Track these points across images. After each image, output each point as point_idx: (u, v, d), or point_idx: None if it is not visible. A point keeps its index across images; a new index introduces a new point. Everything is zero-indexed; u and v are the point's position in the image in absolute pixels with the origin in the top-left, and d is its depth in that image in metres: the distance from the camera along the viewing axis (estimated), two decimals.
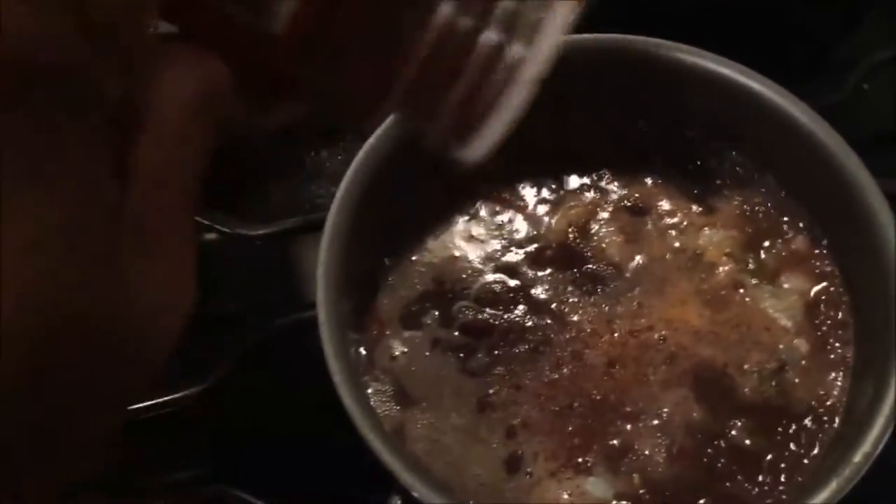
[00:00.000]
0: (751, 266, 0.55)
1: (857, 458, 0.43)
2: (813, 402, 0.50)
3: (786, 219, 0.56)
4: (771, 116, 0.53)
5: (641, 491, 0.49)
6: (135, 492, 0.62)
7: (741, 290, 0.54)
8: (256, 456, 0.62)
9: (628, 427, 0.51)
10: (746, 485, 0.48)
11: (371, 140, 0.54)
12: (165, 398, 0.61)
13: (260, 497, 0.59)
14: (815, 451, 0.48)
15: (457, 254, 0.57)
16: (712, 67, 0.55)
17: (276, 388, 0.65)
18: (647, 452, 0.50)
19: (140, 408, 0.60)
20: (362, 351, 0.53)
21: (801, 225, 0.55)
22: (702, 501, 0.48)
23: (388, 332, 0.55)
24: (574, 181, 0.59)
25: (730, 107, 0.55)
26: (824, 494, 0.43)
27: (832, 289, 0.53)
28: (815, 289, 0.53)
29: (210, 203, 0.68)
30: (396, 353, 0.54)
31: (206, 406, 0.63)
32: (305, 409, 0.64)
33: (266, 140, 0.79)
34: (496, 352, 0.53)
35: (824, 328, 0.52)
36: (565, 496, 0.49)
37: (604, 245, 0.57)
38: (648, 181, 0.59)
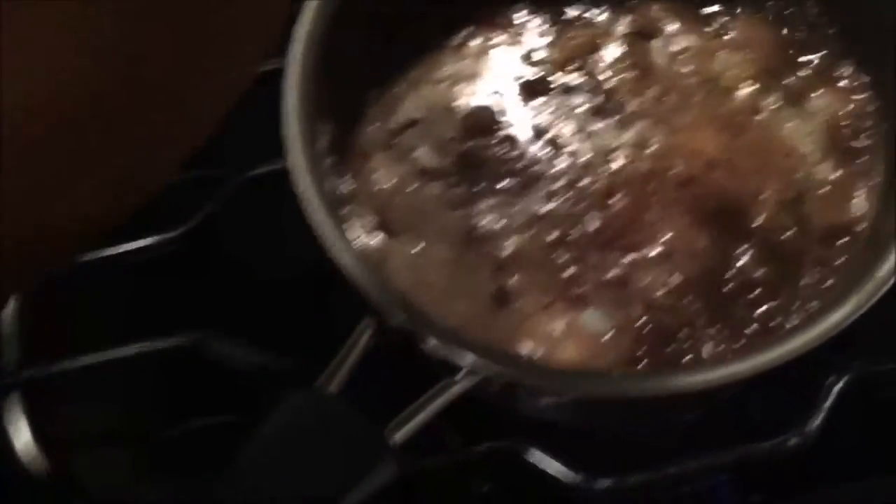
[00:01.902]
0: (772, 89, 0.49)
1: (882, 272, 0.39)
2: (831, 232, 0.45)
3: (813, 36, 0.50)
4: None
5: (640, 323, 0.45)
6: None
7: (760, 115, 0.49)
8: (244, 303, 0.60)
9: (628, 258, 0.46)
10: (754, 313, 0.44)
11: None
12: (150, 240, 0.57)
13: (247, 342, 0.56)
14: (831, 280, 0.44)
15: (445, 83, 0.52)
16: None
17: (261, 235, 0.62)
18: (647, 283, 0.45)
19: (129, 250, 0.58)
20: (345, 182, 0.49)
21: (830, 42, 0.50)
22: (707, 330, 0.44)
23: (371, 163, 0.50)
24: (573, 6, 0.54)
25: None
26: (844, 310, 0.38)
27: (861, 109, 0.48)
28: (844, 110, 0.48)
29: None
30: (380, 184, 0.50)
31: (191, 253, 0.59)
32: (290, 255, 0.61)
33: None
34: (485, 182, 0.49)
35: (848, 153, 0.47)
36: (558, 330, 0.45)
37: (606, 75, 0.51)
38: (656, 4, 0.53)
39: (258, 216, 0.58)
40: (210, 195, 0.59)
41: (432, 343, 0.39)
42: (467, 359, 0.39)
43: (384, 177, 0.50)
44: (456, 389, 0.38)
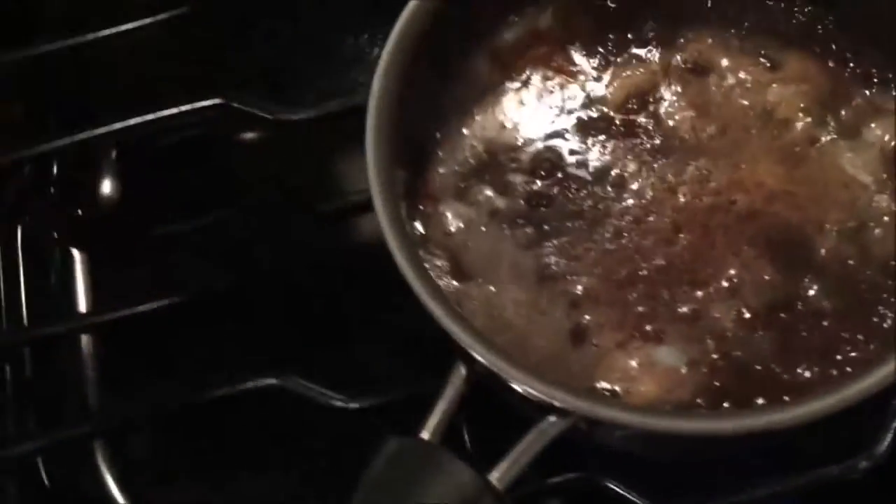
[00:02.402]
0: (827, 120, 0.51)
1: None
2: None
3: (864, 70, 0.52)
4: None
5: (715, 356, 0.47)
6: None
7: (817, 146, 0.50)
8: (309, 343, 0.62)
9: (698, 293, 0.48)
10: (826, 346, 0.45)
11: (411, 6, 0.51)
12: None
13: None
14: None
15: (508, 123, 0.54)
16: None
17: (325, 274, 0.64)
18: (718, 317, 0.47)
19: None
20: (417, 226, 0.51)
21: (881, 75, 0.51)
22: (781, 363, 0.45)
23: (441, 207, 0.52)
24: (629, 43, 0.55)
25: None
26: None
27: None
28: None
29: (248, 87, 0.66)
30: (451, 227, 0.52)
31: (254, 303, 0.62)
32: (352, 292, 0.63)
33: (304, 25, 0.76)
34: (554, 222, 0.51)
35: None
36: (634, 366, 0.47)
37: (665, 111, 0.53)
38: (709, 39, 0.55)
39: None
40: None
41: (525, 387, 0.41)
42: (562, 400, 0.41)
43: (454, 220, 0.52)
44: (553, 431, 0.40)
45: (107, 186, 0.70)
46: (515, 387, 0.41)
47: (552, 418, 0.41)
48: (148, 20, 0.70)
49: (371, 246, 0.64)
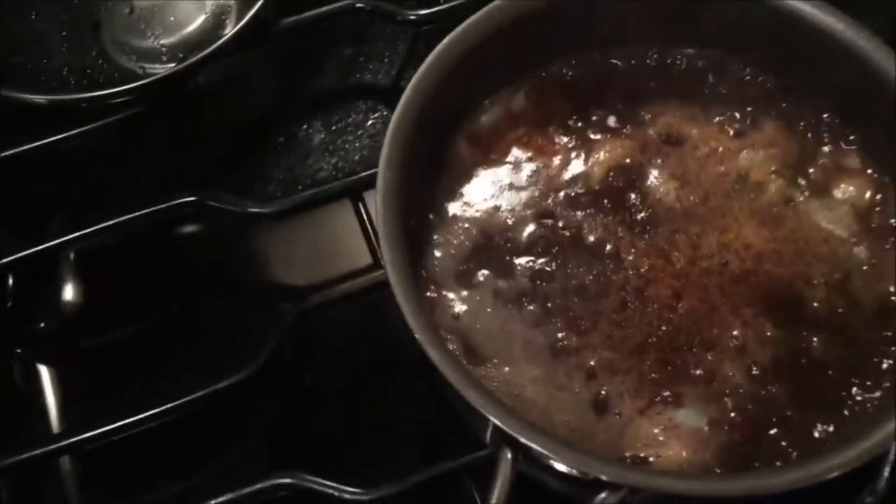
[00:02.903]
0: (799, 181, 0.54)
1: None
2: (885, 302, 0.51)
3: (831, 134, 0.56)
4: (809, 34, 0.53)
5: (733, 414, 0.49)
6: None
7: (792, 205, 0.54)
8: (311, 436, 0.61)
9: (707, 355, 0.50)
10: (838, 394, 0.48)
11: (406, 97, 0.52)
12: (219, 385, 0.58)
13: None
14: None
15: (498, 204, 0.55)
16: None
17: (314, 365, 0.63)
18: (731, 376, 0.49)
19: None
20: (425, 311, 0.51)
21: (846, 137, 0.55)
22: (793, 413, 0.48)
23: (444, 292, 0.53)
24: (602, 120, 0.58)
25: (763, 27, 0.55)
26: None
27: (883, 192, 0.54)
28: (867, 195, 0.54)
29: (201, 184, 0.65)
30: (457, 311, 0.52)
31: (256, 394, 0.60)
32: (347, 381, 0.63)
33: (252, 116, 0.76)
34: (558, 298, 0.52)
35: (881, 231, 0.53)
36: (658, 430, 0.48)
37: (646, 183, 0.56)
38: (677, 113, 0.58)
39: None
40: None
41: (580, 467, 0.42)
42: (614, 475, 0.41)
43: (460, 304, 0.53)
44: (612, 499, 0.41)
45: (68, 293, 0.68)
46: (567, 468, 0.42)
47: (603, 494, 0.42)
48: (100, 122, 0.69)
49: (359, 333, 0.66)
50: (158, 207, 0.63)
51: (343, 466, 0.56)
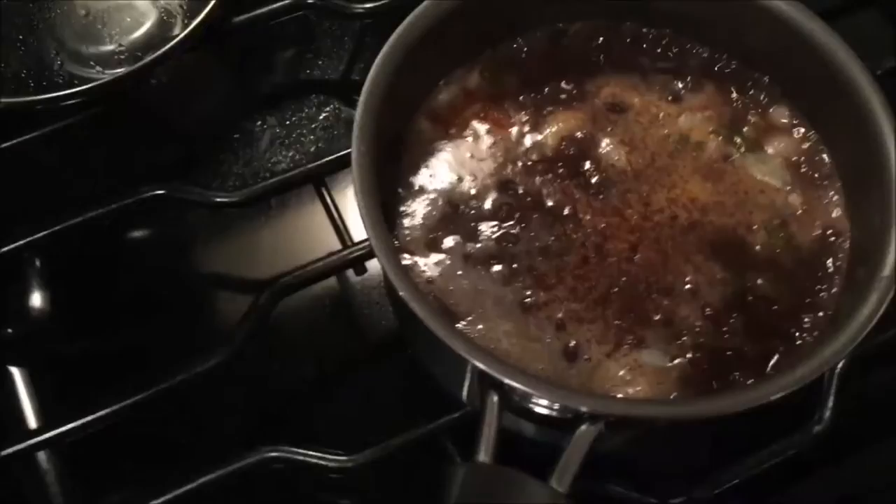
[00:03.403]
0: (734, 139, 0.59)
1: (886, 271, 0.48)
2: (819, 239, 0.56)
3: (760, 94, 0.61)
4: (744, 5, 0.58)
5: (691, 352, 0.53)
6: None
7: (731, 161, 0.59)
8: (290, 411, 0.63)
9: (665, 300, 0.54)
10: (784, 328, 0.53)
11: (370, 79, 0.55)
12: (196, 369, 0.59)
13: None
14: (836, 282, 0.54)
15: (461, 175, 0.59)
16: None
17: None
18: (687, 317, 0.54)
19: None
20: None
21: (775, 97, 0.60)
22: (746, 346, 0.52)
23: (417, 259, 0.56)
24: (552, 93, 0.62)
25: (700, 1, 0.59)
26: (867, 309, 0.48)
27: (810, 144, 0.59)
28: (796, 148, 0.59)
29: (163, 177, 0.66)
30: (431, 275, 0.55)
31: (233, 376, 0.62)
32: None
33: (206, 114, 0.78)
34: (524, 258, 0.56)
35: (810, 179, 0.58)
36: (624, 371, 0.52)
37: (597, 149, 0.59)
38: (618, 85, 0.62)
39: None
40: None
41: (562, 401, 0.45)
42: (591, 406, 0.45)
43: (433, 268, 0.55)
44: (591, 434, 0.44)
45: (36, 299, 0.68)
46: (549, 404, 0.45)
47: (584, 426, 0.45)
48: (57, 125, 0.70)
49: (328, 320, 0.68)
50: (126, 202, 0.64)
51: (322, 441, 0.58)
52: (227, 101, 0.78)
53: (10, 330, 0.68)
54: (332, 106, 0.78)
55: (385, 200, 0.56)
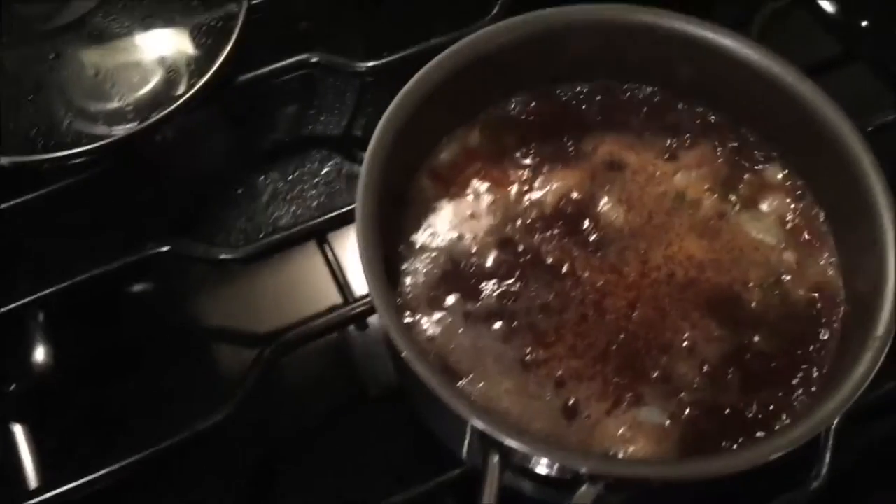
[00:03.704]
0: (729, 196, 0.60)
1: (880, 331, 0.49)
2: (814, 297, 0.56)
3: (754, 152, 0.62)
4: (732, 66, 0.59)
5: (690, 409, 0.53)
6: None
7: (726, 219, 0.60)
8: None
9: (663, 358, 0.55)
10: (781, 385, 0.53)
11: (376, 137, 0.56)
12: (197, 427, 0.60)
13: None
14: (831, 339, 0.54)
15: (462, 233, 0.60)
16: (671, 24, 0.60)
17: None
18: (685, 375, 0.54)
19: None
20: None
21: (768, 155, 0.62)
22: (743, 403, 0.53)
23: (419, 317, 0.57)
24: (550, 152, 0.63)
25: (692, 62, 0.61)
26: (861, 368, 0.48)
27: (805, 202, 0.60)
28: (790, 206, 0.60)
29: (168, 232, 0.67)
30: (432, 333, 0.56)
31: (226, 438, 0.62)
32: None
33: (210, 170, 0.79)
34: (524, 315, 0.56)
35: (804, 237, 0.59)
36: (624, 429, 0.53)
37: (596, 208, 0.61)
38: (615, 142, 0.63)
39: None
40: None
41: (562, 462, 0.45)
42: (591, 467, 0.45)
43: (434, 326, 0.56)
44: (591, 495, 0.45)
45: (39, 354, 0.69)
46: (549, 465, 0.46)
47: (584, 488, 0.46)
48: (63, 183, 0.71)
49: (329, 375, 0.69)
50: (131, 259, 0.65)
51: (319, 497, 0.58)
52: (231, 156, 0.80)
53: (13, 386, 0.68)
54: (334, 161, 0.79)
55: (387, 257, 0.58)
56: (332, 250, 0.69)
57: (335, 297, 0.69)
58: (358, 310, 0.64)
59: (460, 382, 0.54)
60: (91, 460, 0.60)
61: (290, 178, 0.78)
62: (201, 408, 0.61)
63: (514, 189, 0.61)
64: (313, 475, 0.65)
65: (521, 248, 0.59)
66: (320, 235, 0.69)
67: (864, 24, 0.88)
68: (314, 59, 0.74)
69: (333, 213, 0.68)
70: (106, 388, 0.68)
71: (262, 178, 0.78)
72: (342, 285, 0.68)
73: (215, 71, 0.69)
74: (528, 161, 0.62)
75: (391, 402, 0.68)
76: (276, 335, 0.64)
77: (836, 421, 0.59)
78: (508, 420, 0.53)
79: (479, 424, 0.46)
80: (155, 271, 0.71)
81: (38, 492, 0.62)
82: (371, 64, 0.75)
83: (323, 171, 0.79)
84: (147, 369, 0.69)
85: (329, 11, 0.87)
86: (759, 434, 0.52)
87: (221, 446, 0.62)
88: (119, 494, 0.60)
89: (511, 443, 0.46)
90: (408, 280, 0.58)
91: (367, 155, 0.56)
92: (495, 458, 0.47)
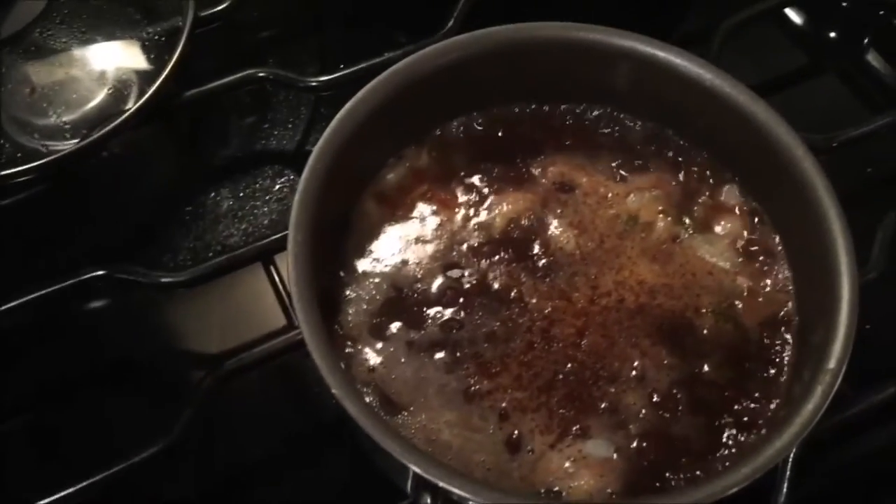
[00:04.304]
0: (683, 219, 0.59)
1: (832, 364, 0.47)
2: (766, 326, 0.55)
3: (708, 173, 0.60)
4: (684, 85, 0.57)
5: (636, 441, 0.51)
6: None
7: (679, 242, 0.58)
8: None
9: (611, 388, 0.53)
10: (731, 416, 0.52)
11: (311, 162, 0.54)
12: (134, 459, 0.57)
13: None
14: (783, 369, 0.53)
15: (406, 258, 0.58)
16: (622, 43, 0.58)
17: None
18: (633, 405, 0.52)
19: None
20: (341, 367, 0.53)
21: (723, 177, 0.60)
22: (694, 434, 0.51)
23: (360, 346, 0.55)
24: (499, 174, 0.61)
25: (643, 81, 0.59)
26: (811, 403, 0.47)
27: (760, 227, 0.58)
28: (744, 230, 0.58)
29: (109, 259, 0.65)
30: (373, 364, 0.54)
31: (174, 464, 0.60)
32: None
33: (158, 188, 0.77)
34: (468, 344, 0.54)
35: (758, 261, 0.57)
36: (569, 463, 0.51)
37: (545, 231, 0.59)
38: (566, 164, 0.61)
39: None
40: None
41: None
42: None
43: (374, 356, 0.54)
44: None
45: None
46: None
47: None
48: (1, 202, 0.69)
49: (276, 398, 0.66)
50: (65, 284, 0.63)
51: None
52: (179, 173, 0.77)
53: None
54: (286, 177, 0.77)
55: (327, 284, 0.56)
56: (277, 272, 0.67)
57: (282, 319, 0.67)
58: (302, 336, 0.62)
59: (400, 415, 0.52)
60: (22, 493, 0.58)
61: (241, 195, 0.76)
62: (140, 437, 0.59)
63: (461, 212, 0.59)
64: None
65: (467, 273, 0.57)
66: (266, 257, 0.67)
67: (832, 35, 0.87)
68: (262, 74, 0.72)
69: (279, 235, 0.66)
70: (41, 416, 0.66)
71: (212, 195, 0.76)
72: (287, 308, 0.66)
73: (158, 86, 0.67)
74: (476, 182, 0.60)
75: (339, 430, 0.66)
76: (220, 359, 0.62)
77: (791, 452, 0.57)
78: (449, 454, 0.51)
79: (412, 466, 0.44)
80: (97, 294, 0.68)
81: None
82: (324, 78, 0.73)
83: (275, 188, 0.77)
84: (85, 396, 0.67)
85: (284, 24, 0.85)
86: (709, 467, 0.50)
87: (156, 475, 0.60)
88: None
89: (445, 485, 0.44)
90: (349, 309, 0.56)
91: (303, 175, 0.54)
92: (428, 500, 0.45)
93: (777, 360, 0.53)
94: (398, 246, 0.58)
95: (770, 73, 0.83)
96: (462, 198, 0.60)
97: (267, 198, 0.76)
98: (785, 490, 0.57)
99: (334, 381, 0.47)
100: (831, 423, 0.57)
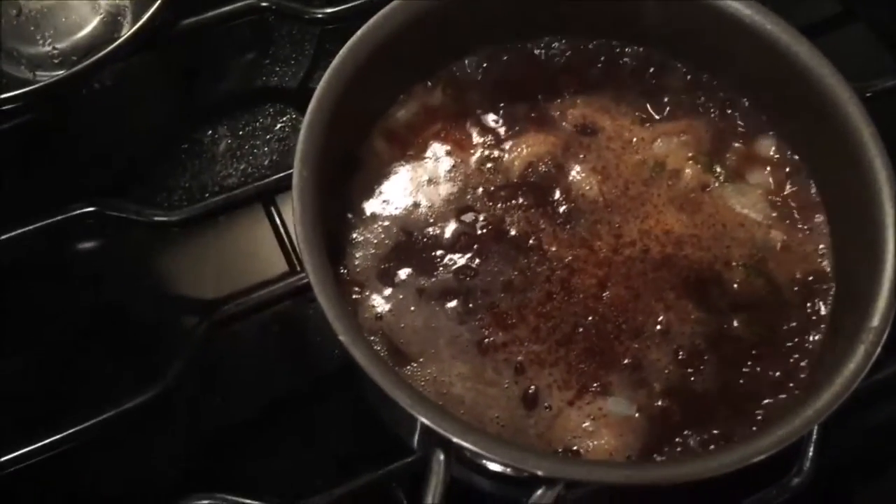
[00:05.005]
0: (714, 167, 0.55)
1: (876, 322, 0.44)
2: (802, 282, 0.51)
3: (743, 120, 0.56)
4: (726, 23, 0.53)
5: (661, 400, 0.48)
6: None
7: (709, 191, 0.54)
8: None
9: (634, 343, 0.50)
10: (760, 376, 0.48)
11: (317, 97, 0.50)
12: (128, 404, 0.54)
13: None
14: (820, 328, 0.49)
15: (418, 201, 0.54)
16: None
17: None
18: (657, 361, 0.49)
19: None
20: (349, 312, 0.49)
21: (759, 123, 0.56)
22: (721, 394, 0.48)
23: (367, 292, 0.51)
24: (518, 114, 0.57)
25: (677, 17, 0.55)
26: (853, 363, 0.44)
27: (796, 176, 0.54)
28: (780, 180, 0.55)
29: (102, 195, 0.61)
30: (381, 311, 0.51)
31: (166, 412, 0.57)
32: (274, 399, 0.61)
33: (154, 124, 0.73)
34: (483, 293, 0.51)
35: (794, 214, 0.54)
36: (588, 422, 0.48)
37: (564, 174, 0.55)
38: (588, 105, 0.57)
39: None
40: None
41: (507, 462, 0.40)
42: (547, 470, 0.40)
43: (383, 304, 0.51)
44: (549, 497, 0.40)
45: None
46: (502, 466, 0.41)
47: (539, 492, 0.41)
48: None
49: (276, 346, 0.63)
50: (54, 219, 0.59)
51: (262, 487, 0.53)
52: (174, 109, 0.73)
53: None
54: (288, 115, 0.73)
55: (333, 227, 0.52)
56: (279, 214, 0.63)
57: (283, 264, 0.64)
58: (305, 281, 0.58)
59: (409, 366, 0.49)
60: (15, 437, 0.55)
61: (240, 133, 0.72)
62: (131, 384, 0.55)
63: (476, 153, 0.56)
64: (251, 465, 0.60)
65: (482, 218, 0.53)
66: (267, 198, 0.63)
67: None
68: (264, 4, 0.67)
69: (282, 174, 0.62)
70: (28, 361, 0.63)
71: (209, 133, 0.71)
72: (290, 253, 0.62)
73: (153, 13, 0.63)
74: (493, 123, 0.57)
75: (340, 383, 0.63)
76: (216, 305, 0.58)
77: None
78: (461, 409, 0.48)
79: (423, 419, 0.41)
80: (87, 234, 0.64)
81: None
82: (329, 10, 0.69)
83: (276, 127, 0.72)
84: (75, 340, 0.63)
85: None
86: (735, 430, 0.47)
87: (149, 429, 0.57)
88: (54, 469, 0.55)
89: (458, 441, 0.40)
90: (356, 253, 0.52)
91: (309, 108, 0.50)
92: (441, 456, 0.42)
93: (811, 318, 0.50)
94: (409, 187, 0.54)
95: (801, 21, 0.78)
96: (477, 138, 0.56)
97: (268, 137, 0.72)
98: (810, 454, 0.54)
99: (342, 326, 0.43)
100: (865, 385, 0.54)
